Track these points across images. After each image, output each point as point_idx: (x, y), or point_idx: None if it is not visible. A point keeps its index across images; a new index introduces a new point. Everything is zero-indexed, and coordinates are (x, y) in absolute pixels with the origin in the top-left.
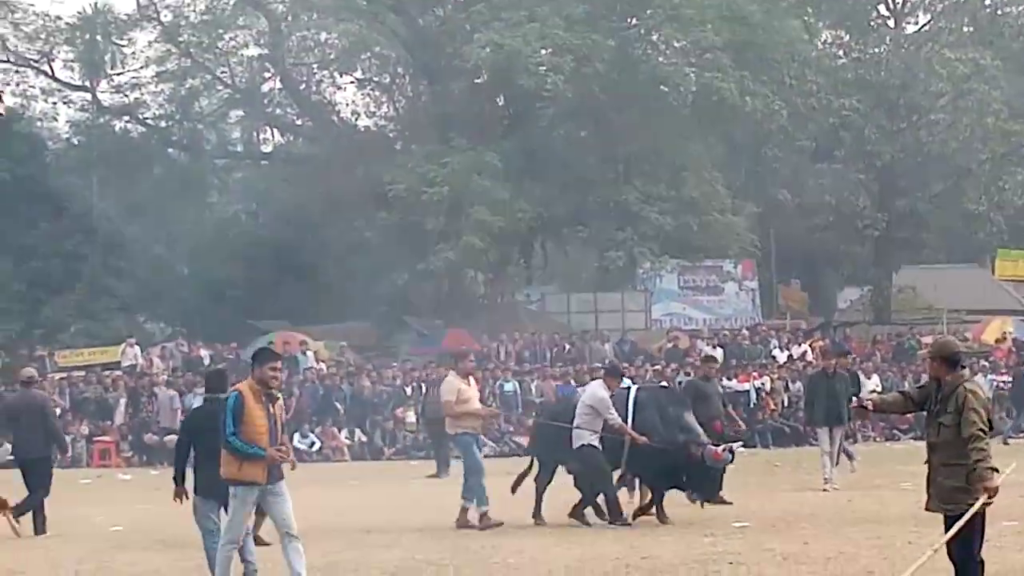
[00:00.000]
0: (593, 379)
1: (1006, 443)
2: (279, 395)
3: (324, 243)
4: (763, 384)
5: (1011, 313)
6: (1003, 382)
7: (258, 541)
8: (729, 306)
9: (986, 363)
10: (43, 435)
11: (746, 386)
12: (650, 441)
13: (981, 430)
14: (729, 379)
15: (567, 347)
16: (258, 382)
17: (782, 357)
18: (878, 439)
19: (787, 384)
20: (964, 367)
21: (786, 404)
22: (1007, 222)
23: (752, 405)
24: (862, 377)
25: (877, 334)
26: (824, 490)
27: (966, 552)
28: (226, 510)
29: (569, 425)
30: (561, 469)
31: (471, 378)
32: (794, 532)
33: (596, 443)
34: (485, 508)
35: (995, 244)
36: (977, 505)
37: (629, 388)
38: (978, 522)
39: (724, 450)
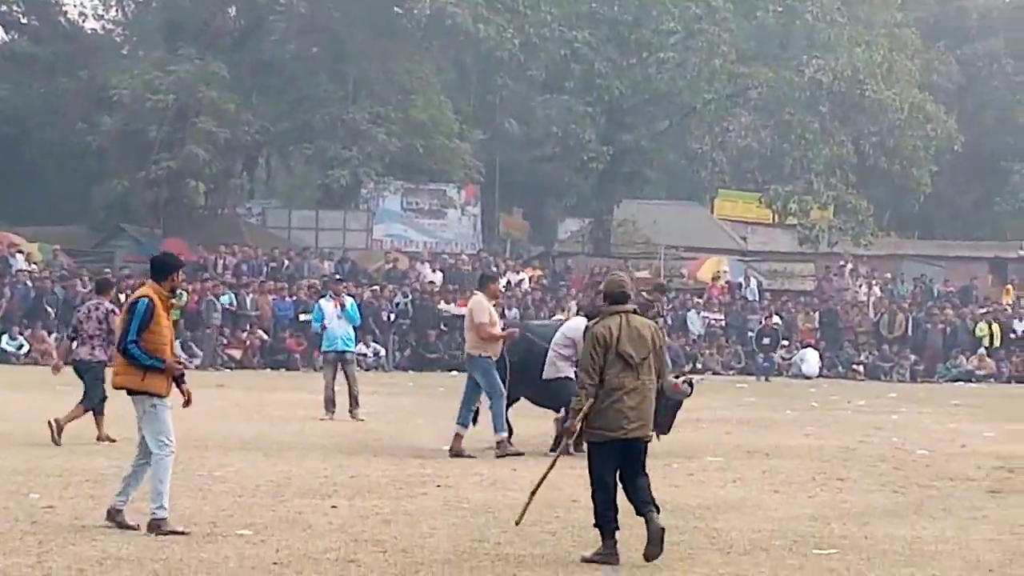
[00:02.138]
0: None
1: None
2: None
3: (44, 145)
4: None
5: (728, 252)
6: (715, 319)
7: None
8: (451, 231)
9: (699, 300)
10: None
11: (463, 310)
12: None
13: (584, 368)
14: (447, 303)
15: (285, 263)
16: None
17: (501, 283)
18: None
19: (503, 311)
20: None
21: None
22: (729, 163)
23: None
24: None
25: (596, 266)
26: None
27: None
28: None
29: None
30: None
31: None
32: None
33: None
34: (504, 435)
35: (716, 184)
36: (562, 446)
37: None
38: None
39: (684, 383)
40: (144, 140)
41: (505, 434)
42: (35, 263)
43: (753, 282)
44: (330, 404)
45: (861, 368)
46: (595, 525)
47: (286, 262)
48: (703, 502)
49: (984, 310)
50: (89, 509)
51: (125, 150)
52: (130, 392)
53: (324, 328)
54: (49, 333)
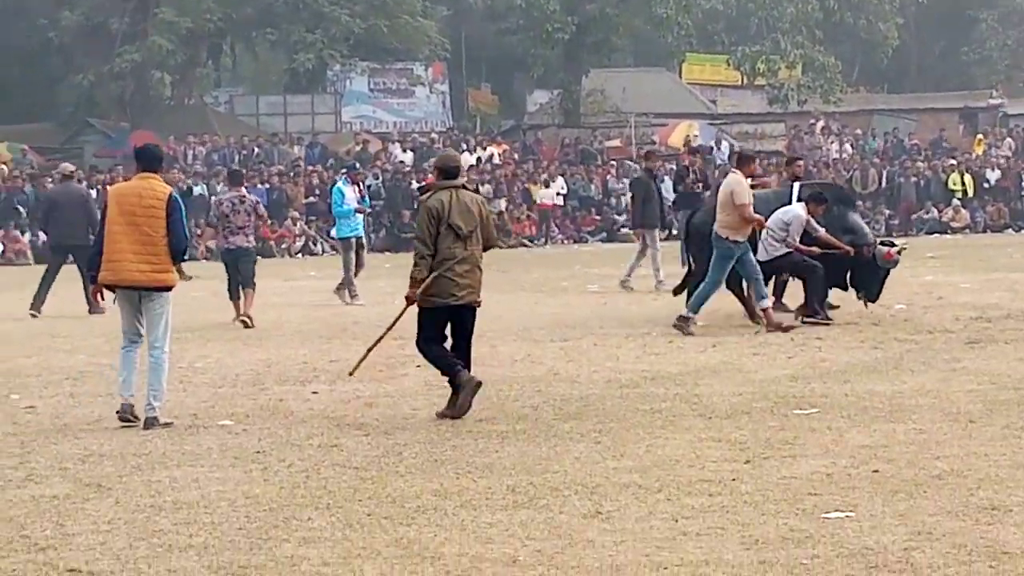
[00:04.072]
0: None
1: None
2: None
3: (6, 43)
4: None
5: (698, 117)
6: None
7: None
8: (420, 109)
9: (672, 167)
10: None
11: None
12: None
13: (420, 239)
14: (419, 182)
15: (255, 150)
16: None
17: (471, 160)
18: (565, 241)
19: (476, 187)
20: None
21: None
22: (695, 26)
23: None
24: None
25: (566, 137)
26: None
27: None
28: None
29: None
30: None
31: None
32: (482, 334)
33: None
34: (694, 316)
35: (684, 48)
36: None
37: (792, 185)
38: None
39: (897, 251)
40: (106, 33)
41: (695, 315)
42: (4, 163)
43: (725, 145)
44: (352, 287)
45: None
46: (443, 374)
47: (256, 149)
48: (684, 368)
49: (955, 161)
50: (70, 407)
51: (88, 45)
52: (163, 289)
53: (357, 212)
54: (22, 233)
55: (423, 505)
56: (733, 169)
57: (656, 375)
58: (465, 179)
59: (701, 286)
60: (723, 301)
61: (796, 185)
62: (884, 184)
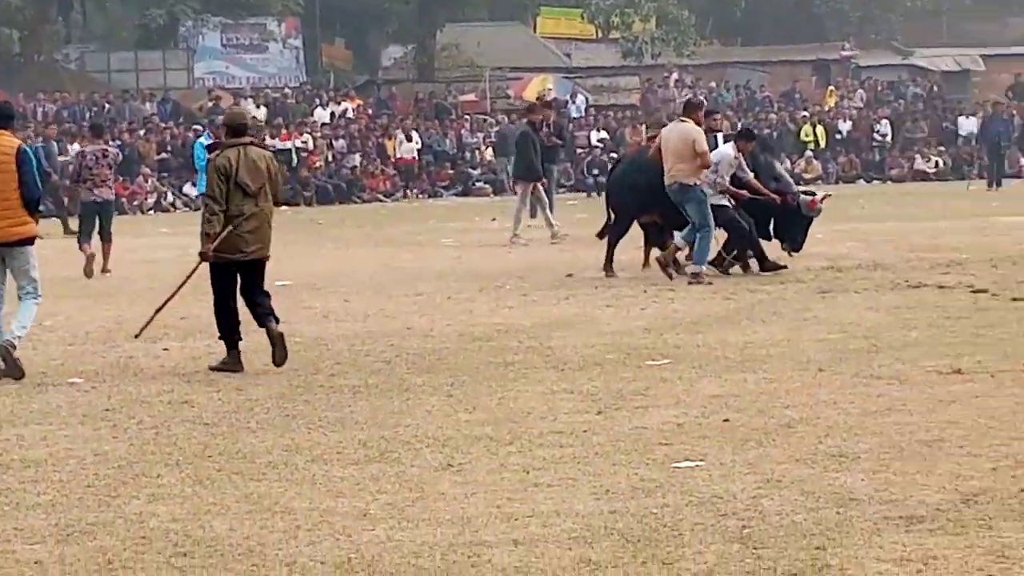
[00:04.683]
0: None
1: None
2: None
3: None
4: (305, 142)
5: (553, 71)
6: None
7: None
8: (273, 64)
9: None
10: None
11: (288, 144)
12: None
13: (210, 196)
14: (272, 137)
15: (107, 107)
16: None
17: (325, 116)
18: (420, 196)
19: (330, 142)
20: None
21: (330, 161)
22: None
23: (295, 164)
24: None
25: (420, 92)
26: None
27: None
28: None
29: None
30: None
31: None
32: (335, 290)
33: (724, 202)
34: (702, 268)
35: (538, 2)
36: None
37: (716, 136)
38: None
39: (821, 199)
40: None
41: (704, 267)
42: None
43: (580, 98)
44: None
45: None
46: (220, 338)
47: (107, 106)
48: (537, 321)
49: (807, 113)
50: None
51: None
52: (25, 241)
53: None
54: None
55: (274, 460)
56: (682, 118)
57: (509, 328)
58: (252, 137)
59: (697, 239)
60: (576, 253)
61: (719, 137)
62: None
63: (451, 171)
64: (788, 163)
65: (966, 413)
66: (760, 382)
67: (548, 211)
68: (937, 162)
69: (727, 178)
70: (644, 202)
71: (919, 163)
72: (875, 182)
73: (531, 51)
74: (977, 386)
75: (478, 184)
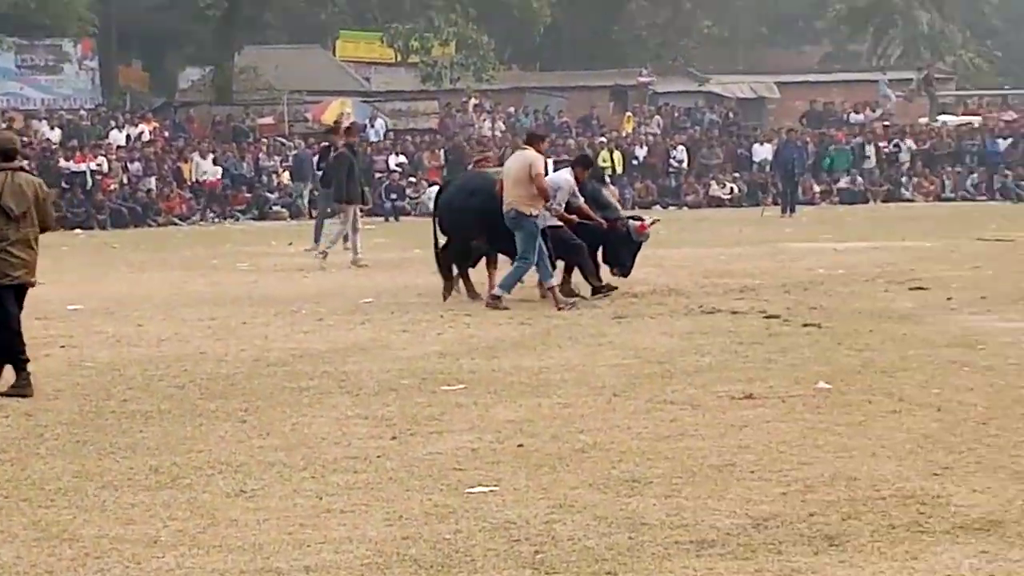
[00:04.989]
0: None
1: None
2: None
3: None
4: (100, 165)
5: (352, 94)
6: None
7: None
8: (68, 86)
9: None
10: None
11: (83, 167)
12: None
13: None
14: (67, 160)
15: None
16: None
17: (120, 138)
18: (216, 220)
19: (126, 164)
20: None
21: (125, 184)
22: (349, 3)
23: (90, 187)
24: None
25: (218, 114)
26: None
27: None
28: None
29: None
30: None
31: None
32: (128, 314)
33: (558, 224)
34: (506, 293)
35: (338, 25)
36: None
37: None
38: None
39: (650, 224)
40: None
41: (506, 293)
42: None
43: (379, 123)
44: None
45: None
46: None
47: None
48: (332, 346)
49: (605, 139)
50: None
51: None
52: None
53: None
54: None
55: (63, 487)
56: (524, 145)
57: (304, 353)
58: (22, 161)
59: (513, 267)
60: (374, 278)
61: (549, 162)
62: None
63: (248, 194)
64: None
65: (757, 438)
66: (554, 407)
67: (356, 236)
68: (732, 188)
69: (563, 205)
70: (474, 224)
71: (714, 189)
72: (671, 208)
73: (330, 74)
74: (768, 411)
75: (275, 208)
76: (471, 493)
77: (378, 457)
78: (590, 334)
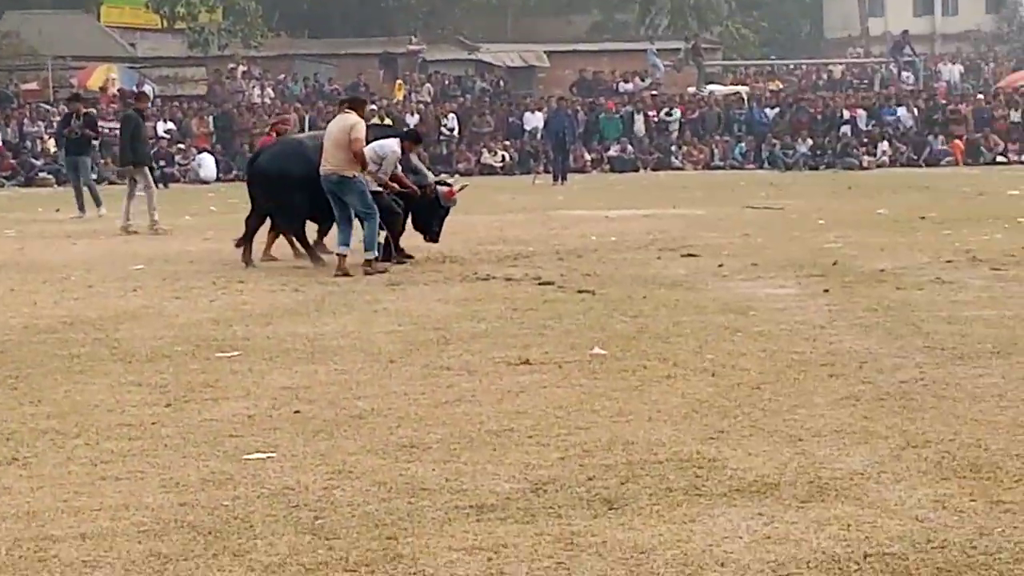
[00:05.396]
0: None
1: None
2: None
3: None
4: None
5: (118, 60)
6: (110, 128)
7: None
8: None
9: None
10: None
11: None
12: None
13: None
14: None
15: None
16: None
17: None
18: None
19: None
20: None
21: None
22: None
23: None
24: None
25: None
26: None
27: None
28: None
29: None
30: None
31: None
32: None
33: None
34: (376, 254)
35: None
36: None
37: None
38: None
39: (459, 190)
40: None
41: (376, 253)
42: None
43: (147, 88)
44: None
45: None
46: None
47: None
48: (103, 313)
49: (376, 107)
50: None
51: None
52: None
53: None
54: None
55: None
56: (347, 109)
57: (75, 320)
58: None
59: (365, 227)
60: (146, 245)
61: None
62: (308, 128)
63: (13, 160)
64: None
65: (534, 403)
66: (331, 373)
67: (130, 203)
68: (504, 156)
69: (388, 175)
70: (294, 189)
71: (486, 157)
72: (443, 175)
73: (95, 40)
74: (545, 376)
75: (41, 175)
76: (248, 459)
77: (153, 424)
78: (365, 301)
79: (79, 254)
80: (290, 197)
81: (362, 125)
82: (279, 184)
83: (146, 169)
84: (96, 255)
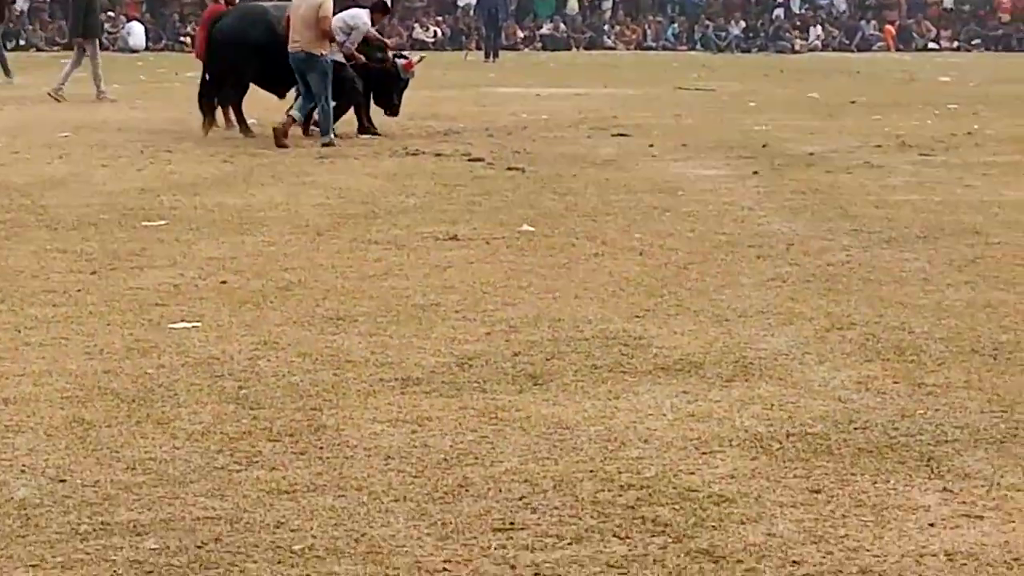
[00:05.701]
0: None
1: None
2: None
3: None
4: None
5: None
6: None
7: None
8: None
9: None
10: None
11: None
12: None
13: None
14: None
15: None
16: None
17: None
18: None
19: None
20: None
21: None
22: None
23: None
24: None
25: None
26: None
27: None
28: None
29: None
30: None
31: None
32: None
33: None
34: (332, 137)
35: None
36: None
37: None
38: None
39: (418, 61)
40: None
41: (332, 136)
42: None
43: None
44: None
45: (189, 40)
46: None
47: None
48: (30, 180)
49: None
50: None
51: None
52: None
53: None
54: None
55: None
56: None
57: (0, 186)
58: None
59: (320, 110)
60: (72, 112)
61: None
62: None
63: None
64: None
65: (462, 278)
66: (258, 245)
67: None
68: (436, 32)
69: (355, 45)
70: (251, 56)
71: (418, 32)
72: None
73: None
74: (472, 252)
75: None
76: (173, 328)
77: (78, 291)
78: (294, 173)
79: (5, 120)
80: (246, 63)
81: (330, 3)
82: (235, 51)
83: (96, 41)
84: (22, 122)
